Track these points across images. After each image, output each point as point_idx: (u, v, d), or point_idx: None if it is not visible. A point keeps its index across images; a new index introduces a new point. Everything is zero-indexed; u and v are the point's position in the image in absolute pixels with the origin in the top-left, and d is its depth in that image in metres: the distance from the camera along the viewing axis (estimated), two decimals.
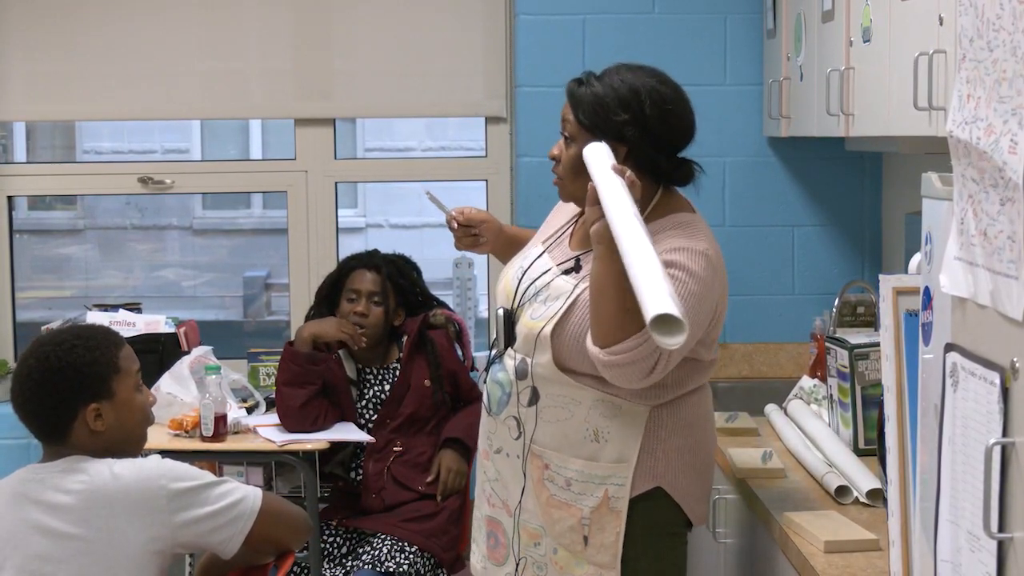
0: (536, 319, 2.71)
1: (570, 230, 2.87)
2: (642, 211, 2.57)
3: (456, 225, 3.07)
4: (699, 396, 2.77)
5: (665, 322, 2.29)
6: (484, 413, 2.86)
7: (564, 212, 2.93)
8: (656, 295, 2.31)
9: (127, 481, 2.49)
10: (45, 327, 4.43)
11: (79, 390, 2.55)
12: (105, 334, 2.64)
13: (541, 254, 2.84)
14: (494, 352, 2.82)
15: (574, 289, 2.68)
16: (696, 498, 2.76)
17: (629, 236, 2.42)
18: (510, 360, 2.76)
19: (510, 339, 2.77)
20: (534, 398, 2.71)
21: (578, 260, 2.75)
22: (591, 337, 2.57)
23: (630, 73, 2.72)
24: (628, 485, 2.67)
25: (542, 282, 2.76)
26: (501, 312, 2.79)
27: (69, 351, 2.57)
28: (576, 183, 2.71)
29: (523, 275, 2.81)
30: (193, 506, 2.51)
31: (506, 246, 3.08)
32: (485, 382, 2.84)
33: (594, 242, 2.53)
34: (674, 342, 2.30)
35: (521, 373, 2.72)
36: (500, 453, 2.80)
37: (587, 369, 2.65)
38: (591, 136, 2.68)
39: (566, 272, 2.75)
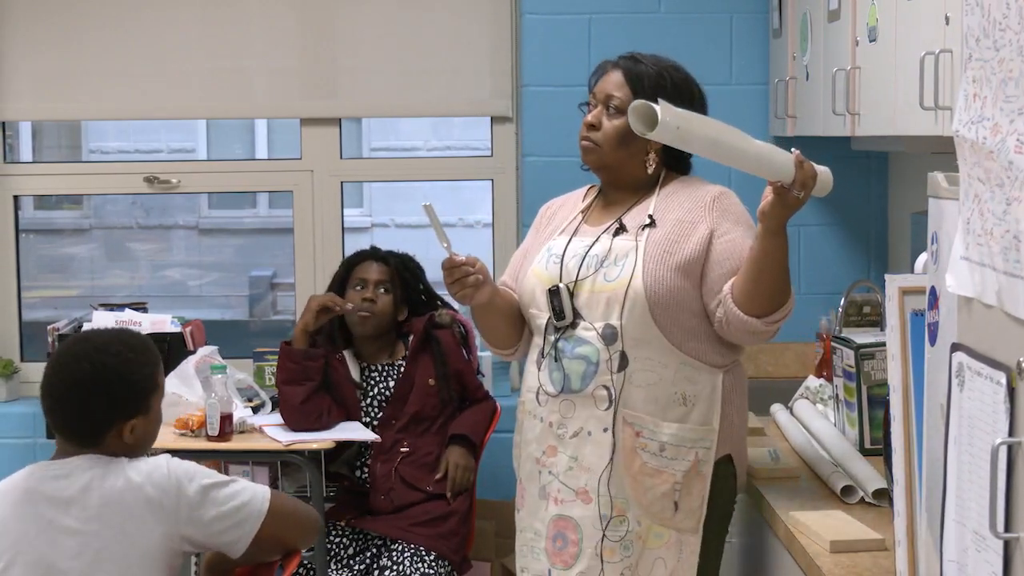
0: (612, 280, 2.73)
1: (580, 219, 2.90)
2: (652, 186, 2.83)
3: (457, 260, 2.80)
4: (742, 365, 2.91)
5: (646, 114, 2.51)
6: (550, 402, 2.79)
7: (564, 211, 2.97)
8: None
9: (140, 481, 2.51)
10: (51, 327, 4.43)
11: (125, 405, 2.56)
12: (151, 348, 2.65)
13: (569, 241, 2.85)
14: (557, 335, 2.77)
15: (637, 244, 2.75)
16: (743, 474, 2.90)
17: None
18: (588, 331, 2.74)
19: (575, 314, 2.76)
20: (623, 363, 2.73)
21: (620, 221, 2.81)
22: (747, 307, 2.68)
23: (667, 62, 2.86)
24: (714, 448, 2.76)
25: (598, 251, 2.78)
26: (563, 287, 2.76)
27: (124, 363, 2.56)
28: (616, 153, 2.82)
29: (561, 260, 2.81)
30: (204, 506, 2.53)
31: (493, 295, 2.89)
32: (557, 360, 2.76)
33: (760, 222, 2.69)
34: (640, 128, 2.52)
35: (610, 338, 2.72)
36: (578, 435, 2.76)
37: (674, 323, 2.73)
38: None
39: (615, 235, 2.79)
